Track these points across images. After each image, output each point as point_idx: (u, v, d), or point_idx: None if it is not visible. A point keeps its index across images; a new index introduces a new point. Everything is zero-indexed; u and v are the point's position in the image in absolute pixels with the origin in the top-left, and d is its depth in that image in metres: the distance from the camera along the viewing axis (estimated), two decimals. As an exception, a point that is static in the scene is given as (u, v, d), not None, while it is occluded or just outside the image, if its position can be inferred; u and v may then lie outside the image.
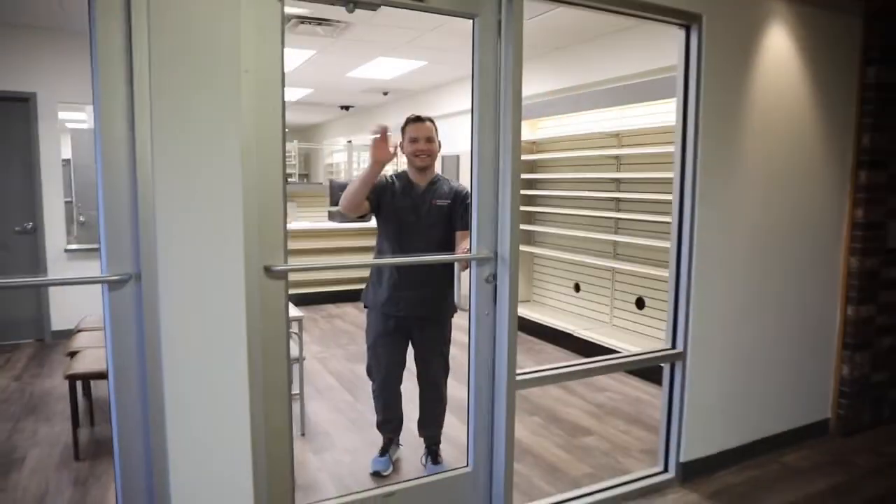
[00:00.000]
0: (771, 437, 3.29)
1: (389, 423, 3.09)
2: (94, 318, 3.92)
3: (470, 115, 2.39)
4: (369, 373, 3.06)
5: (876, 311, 3.53)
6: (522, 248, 5.39)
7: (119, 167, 1.79)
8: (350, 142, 11.63)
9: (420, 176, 2.90)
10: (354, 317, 6.30)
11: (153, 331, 1.83)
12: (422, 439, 3.11)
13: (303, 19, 4.79)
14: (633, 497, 2.86)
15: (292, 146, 13.09)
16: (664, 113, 4.49)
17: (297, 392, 3.58)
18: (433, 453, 3.08)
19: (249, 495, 2.01)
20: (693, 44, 2.76)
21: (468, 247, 2.50)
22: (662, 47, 4.16)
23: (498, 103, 2.38)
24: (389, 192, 2.87)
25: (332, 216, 7.80)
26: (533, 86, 5.36)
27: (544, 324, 5.57)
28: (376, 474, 3.02)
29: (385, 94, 8.63)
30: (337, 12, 4.60)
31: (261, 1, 1.94)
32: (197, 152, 1.86)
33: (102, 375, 2.98)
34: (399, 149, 2.84)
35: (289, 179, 12.19)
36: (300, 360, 3.54)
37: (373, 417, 3.15)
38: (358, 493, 2.45)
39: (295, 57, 6.22)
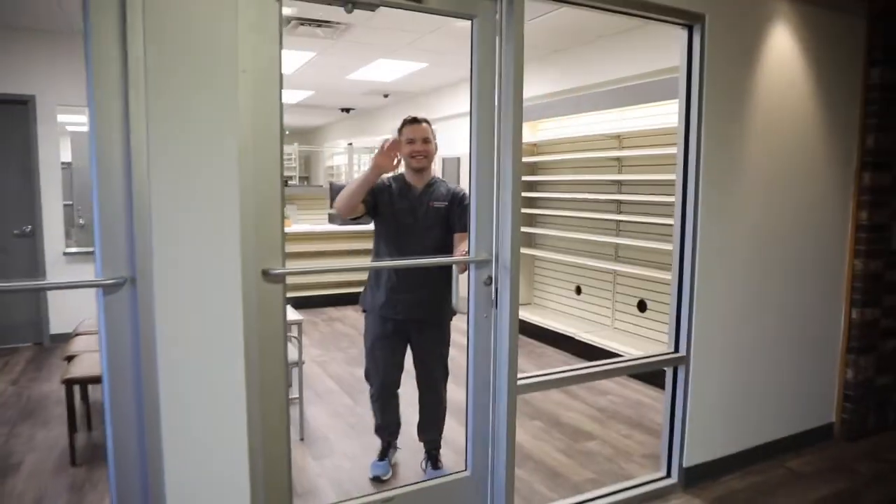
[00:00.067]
0: (774, 441, 3.26)
1: (388, 427, 3.07)
2: (93, 322, 3.89)
3: (469, 118, 2.38)
4: (367, 377, 3.04)
5: (880, 314, 3.50)
6: (523, 250, 5.38)
7: (114, 169, 1.76)
8: (351, 144, 11.61)
9: (417, 178, 2.89)
10: (355, 320, 6.27)
11: (148, 335, 1.80)
12: (422, 444, 3.09)
13: (302, 21, 4.77)
14: (635, 503, 2.83)
15: (293, 149, 13.08)
16: (665, 114, 4.47)
17: (297, 396, 3.56)
18: (433, 458, 3.05)
19: (246, 500, 1.98)
20: (695, 44, 2.73)
21: (466, 249, 2.48)
22: (663, 48, 4.15)
23: (495, 105, 2.36)
24: (386, 194, 2.86)
25: (332, 219, 7.78)
26: (533, 87, 5.34)
27: (545, 327, 5.54)
28: (376, 479, 3.00)
29: (385, 96, 8.62)
30: (337, 14, 4.59)
31: (258, 0, 1.91)
32: (193, 154, 1.83)
33: (100, 380, 2.92)
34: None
35: (289, 182, 12.21)
36: (299, 364, 3.51)
37: (372, 421, 3.13)
38: (358, 498, 2.42)
39: (295, 59, 6.21)
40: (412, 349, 2.98)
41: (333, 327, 6.17)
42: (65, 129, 5.78)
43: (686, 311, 2.87)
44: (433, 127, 2.90)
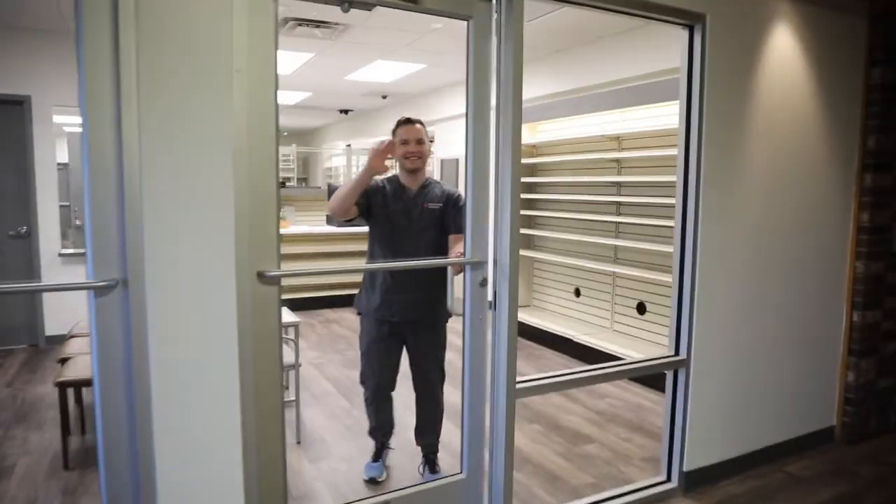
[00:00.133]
0: (775, 445, 3.23)
1: (381, 428, 3.06)
2: (87, 324, 3.85)
3: (465, 119, 2.36)
4: (363, 380, 3.02)
5: (882, 316, 3.47)
6: (522, 252, 5.35)
7: (106, 170, 1.73)
8: (349, 146, 11.58)
9: (411, 179, 2.87)
10: (352, 322, 6.24)
11: (140, 338, 1.77)
12: (419, 448, 3.06)
13: (300, 21, 4.74)
14: (635, 507, 2.81)
15: (291, 150, 13.06)
16: (665, 116, 4.45)
17: (293, 399, 3.53)
18: (431, 462, 3.02)
19: (240, 505, 1.96)
20: (696, 44, 2.71)
21: (462, 250, 2.47)
22: (663, 49, 4.13)
23: (491, 106, 2.35)
24: (380, 196, 2.85)
25: (330, 220, 7.76)
26: (533, 88, 5.32)
27: (544, 329, 5.51)
28: (371, 481, 2.98)
29: (384, 97, 8.59)
30: (335, 14, 4.56)
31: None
32: (187, 154, 1.80)
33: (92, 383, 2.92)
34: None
35: (287, 183, 12.19)
36: (296, 366, 3.48)
37: (367, 424, 3.10)
38: (354, 502, 2.40)
39: (293, 60, 6.18)
40: (408, 352, 2.96)
41: (331, 329, 6.14)
42: (62, 129, 5.75)
43: (686, 315, 2.84)
44: (429, 128, 2.88)
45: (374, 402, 3.00)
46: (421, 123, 2.83)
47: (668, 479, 2.94)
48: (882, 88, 3.28)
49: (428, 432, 3.03)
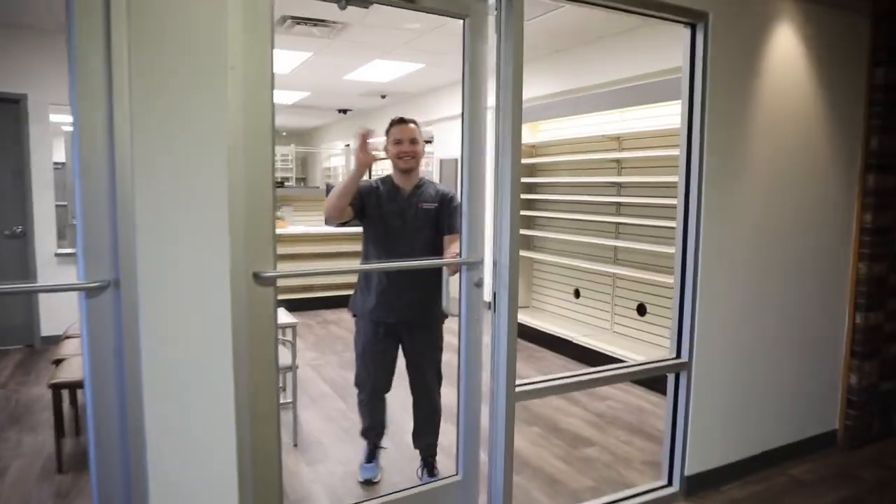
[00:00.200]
0: (778, 448, 3.20)
1: (374, 429, 3.04)
2: (82, 325, 3.81)
3: (461, 119, 2.34)
4: (358, 382, 2.99)
5: (884, 318, 3.44)
6: (521, 253, 5.32)
7: (97, 168, 1.69)
8: (348, 146, 11.56)
9: (405, 180, 2.84)
10: (350, 323, 6.13)
11: (132, 340, 1.74)
12: (417, 451, 3.02)
13: (298, 20, 4.71)
14: (636, 511, 2.77)
15: (289, 150, 13.03)
16: (665, 116, 4.42)
17: (290, 401, 3.49)
18: (429, 465, 2.99)
19: (235, 511, 1.92)
20: (699, 43, 2.68)
21: (457, 251, 2.45)
22: (664, 49, 4.10)
23: (484, 106, 2.32)
24: (374, 196, 2.82)
25: (327, 223, 7.72)
26: (533, 88, 5.28)
27: (544, 330, 5.48)
28: (367, 482, 2.96)
29: (383, 97, 8.56)
30: (333, 13, 4.53)
31: (248, -5, 1.85)
32: (180, 153, 1.77)
33: (87, 384, 2.88)
34: (385, 152, 2.82)
35: (286, 183, 12.16)
36: (293, 368, 3.44)
37: (363, 426, 3.08)
38: (351, 506, 2.37)
39: (291, 59, 6.15)
40: (405, 354, 2.93)
41: (329, 330, 6.10)
42: (59, 128, 5.72)
43: (688, 317, 2.81)
44: (428, 128, 2.86)
45: (369, 404, 2.98)
46: (414, 123, 2.81)
47: (670, 483, 2.90)
48: (885, 89, 3.25)
49: (426, 435, 2.99)
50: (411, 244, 2.79)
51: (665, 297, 4.60)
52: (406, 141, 2.78)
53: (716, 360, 2.90)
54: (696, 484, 2.90)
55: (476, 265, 2.38)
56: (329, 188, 7.86)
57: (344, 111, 10.52)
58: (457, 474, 2.51)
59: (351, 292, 3.00)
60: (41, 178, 5.08)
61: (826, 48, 3.08)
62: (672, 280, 2.95)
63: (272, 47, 1.91)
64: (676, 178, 2.86)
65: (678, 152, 2.84)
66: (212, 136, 1.80)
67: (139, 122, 1.70)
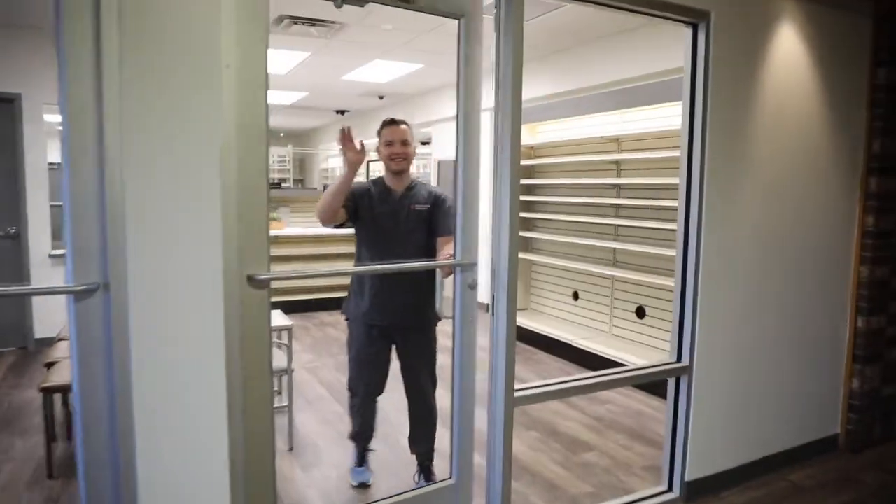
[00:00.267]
0: (779, 453, 3.17)
1: (364, 432, 3.01)
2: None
3: (456, 120, 2.31)
4: (351, 387, 2.96)
5: (886, 321, 3.41)
6: (520, 255, 5.28)
7: (86, 169, 1.65)
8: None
9: (397, 181, 2.82)
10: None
11: (122, 345, 1.70)
12: (414, 456, 2.98)
13: (296, 19, 4.67)
14: (636, 518, 2.74)
15: (287, 151, 13.00)
16: (665, 117, 4.39)
17: (286, 404, 3.45)
18: (426, 470, 2.95)
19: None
20: (700, 42, 2.65)
21: (451, 252, 2.42)
22: (664, 49, 4.07)
23: (479, 106, 2.29)
24: (366, 198, 2.80)
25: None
26: (531, 89, 5.24)
27: (542, 333, 5.44)
28: (362, 485, 2.94)
29: (381, 97, 8.52)
30: (331, 12, 4.49)
31: (243, -9, 1.82)
32: (172, 153, 1.72)
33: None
34: (376, 152, 2.80)
35: (283, 184, 12.13)
36: (289, 371, 3.40)
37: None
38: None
39: (289, 59, 6.11)
40: (399, 357, 2.90)
41: (325, 332, 6.06)
42: (54, 128, 5.66)
43: (689, 321, 2.77)
44: (426, 129, 2.83)
45: (361, 408, 2.95)
46: (406, 124, 2.78)
47: (670, 489, 2.87)
48: (887, 89, 3.22)
49: (422, 440, 2.96)
50: (404, 246, 2.76)
51: (664, 300, 4.57)
52: (397, 142, 2.75)
53: (716, 365, 2.86)
54: (696, 490, 2.86)
55: (470, 267, 2.35)
56: (326, 189, 7.84)
57: (342, 112, 10.48)
58: (450, 478, 2.48)
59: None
60: (35, 178, 5.04)
61: (828, 48, 3.05)
62: (671, 283, 2.92)
63: (267, 45, 1.88)
64: (676, 179, 2.83)
65: (678, 154, 2.81)
66: (205, 136, 1.76)
67: (130, 122, 1.66)
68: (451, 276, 2.44)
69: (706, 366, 2.81)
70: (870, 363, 3.36)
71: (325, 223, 2.75)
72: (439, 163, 7.55)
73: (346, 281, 3.04)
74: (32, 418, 3.65)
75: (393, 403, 3.00)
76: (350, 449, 3.06)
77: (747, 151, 2.84)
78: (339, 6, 2.14)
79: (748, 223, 2.90)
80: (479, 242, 2.38)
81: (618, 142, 5.05)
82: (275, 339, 3.54)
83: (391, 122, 2.78)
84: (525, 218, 5.89)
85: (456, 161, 2.33)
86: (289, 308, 5.10)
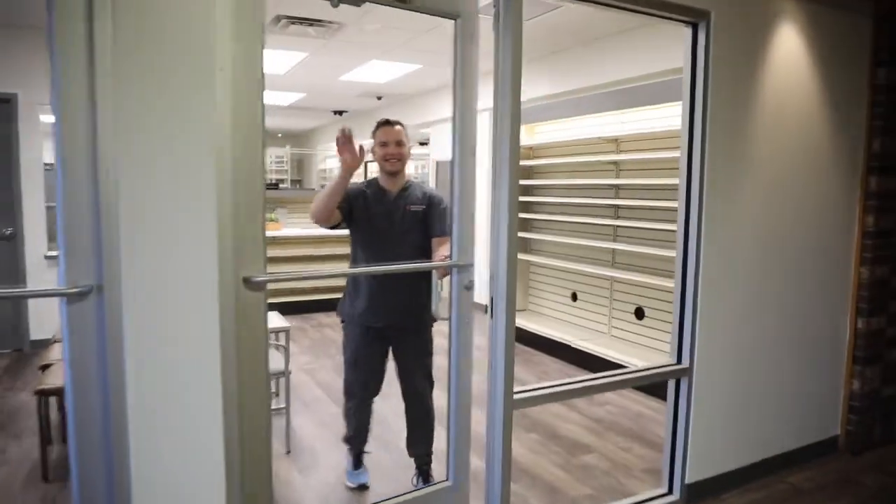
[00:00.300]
0: (779, 455, 3.15)
1: (359, 435, 2.99)
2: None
3: (452, 121, 2.29)
4: (347, 390, 2.93)
5: (886, 322, 3.40)
6: (518, 255, 5.27)
7: (79, 170, 1.63)
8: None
9: (391, 182, 2.81)
10: (346, 326, 6.13)
11: (116, 348, 1.67)
12: (412, 459, 2.96)
13: (293, 19, 4.65)
14: (636, 521, 2.72)
15: (285, 151, 12.97)
16: (664, 117, 4.38)
17: (283, 407, 3.43)
18: (424, 472, 2.93)
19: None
20: (700, 42, 2.63)
21: (447, 253, 2.40)
22: (664, 49, 4.05)
23: (475, 107, 2.27)
24: (361, 199, 2.78)
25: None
26: (530, 89, 5.23)
27: (540, 334, 5.42)
28: (361, 487, 2.93)
29: (379, 98, 8.50)
30: (329, 12, 4.47)
31: (238, -10, 1.79)
32: (167, 154, 1.70)
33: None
34: (371, 153, 2.78)
35: (280, 185, 12.10)
36: (286, 373, 3.38)
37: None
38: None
39: (286, 59, 6.09)
40: (395, 359, 2.88)
41: (323, 333, 6.03)
42: (50, 129, 5.65)
43: (689, 322, 2.75)
44: (425, 130, 2.82)
45: (358, 411, 2.93)
46: (400, 125, 2.77)
47: (670, 492, 2.85)
48: (887, 89, 3.21)
49: (420, 443, 2.94)
50: (399, 247, 2.75)
51: (663, 301, 4.55)
52: (392, 143, 2.74)
53: (716, 366, 2.85)
54: (697, 492, 2.84)
55: (466, 268, 2.33)
56: (325, 190, 7.81)
57: (340, 112, 10.45)
58: (447, 480, 2.46)
59: (346, 294, 2.95)
60: (31, 178, 5.01)
61: (828, 48, 3.04)
62: (670, 284, 2.90)
63: (262, 46, 1.86)
64: (675, 180, 2.81)
65: (677, 154, 2.80)
66: (200, 137, 1.74)
67: (124, 123, 1.64)
68: (448, 277, 2.42)
69: (706, 367, 2.80)
70: (870, 364, 3.35)
71: (319, 224, 2.73)
72: (438, 163, 7.54)
73: (344, 282, 3.03)
74: (27, 421, 3.62)
75: (391, 407, 2.98)
76: (347, 452, 3.04)
77: (747, 151, 2.82)
78: (335, 6, 2.11)
79: (748, 223, 2.88)
80: (476, 243, 2.37)
81: (617, 142, 5.03)
82: (272, 341, 3.52)
83: (385, 123, 2.77)
84: (523, 219, 5.87)
85: (452, 161, 2.32)
86: (286, 309, 5.08)
